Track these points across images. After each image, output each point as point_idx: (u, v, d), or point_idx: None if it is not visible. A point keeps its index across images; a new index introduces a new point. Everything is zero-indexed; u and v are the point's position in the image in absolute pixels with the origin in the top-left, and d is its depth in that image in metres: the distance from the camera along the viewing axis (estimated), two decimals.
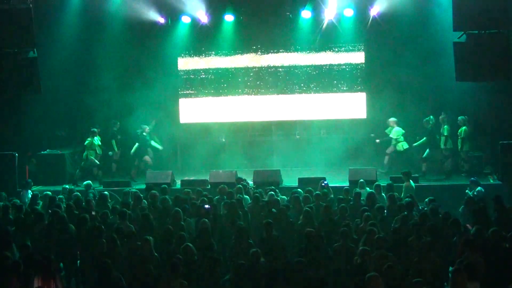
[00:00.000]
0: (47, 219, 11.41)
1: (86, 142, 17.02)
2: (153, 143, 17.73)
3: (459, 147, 16.73)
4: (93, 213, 11.73)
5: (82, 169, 17.16)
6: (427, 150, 16.80)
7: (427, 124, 16.76)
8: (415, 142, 16.96)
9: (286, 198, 13.15)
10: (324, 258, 9.28)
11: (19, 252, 9.72)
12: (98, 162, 17.21)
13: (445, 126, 16.63)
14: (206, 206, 11.43)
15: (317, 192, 12.75)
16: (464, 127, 16.53)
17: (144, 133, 17.49)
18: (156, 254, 9.50)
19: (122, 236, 9.97)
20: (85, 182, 14.83)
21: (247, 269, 8.39)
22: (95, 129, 17.16)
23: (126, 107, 18.50)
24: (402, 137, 17.04)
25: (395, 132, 17.08)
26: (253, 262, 8.70)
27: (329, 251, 9.53)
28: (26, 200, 14.13)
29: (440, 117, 16.81)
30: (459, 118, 16.69)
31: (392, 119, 17.30)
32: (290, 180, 16.39)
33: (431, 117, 16.74)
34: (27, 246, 9.71)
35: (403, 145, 17.00)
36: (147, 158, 17.59)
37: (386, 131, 17.31)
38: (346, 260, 9.36)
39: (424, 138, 16.75)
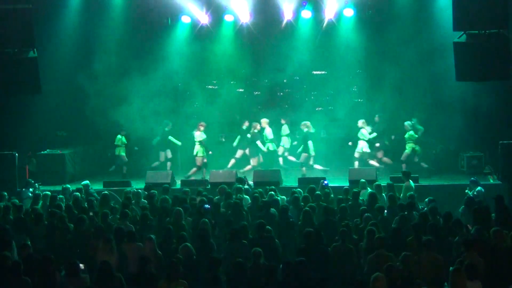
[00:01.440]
0: (47, 219, 11.41)
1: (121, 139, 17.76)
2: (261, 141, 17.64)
3: (407, 151, 16.83)
4: (91, 213, 11.68)
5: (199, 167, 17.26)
6: (406, 150, 16.89)
7: (304, 127, 17.13)
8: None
9: (285, 198, 13.14)
10: (324, 258, 9.28)
11: (19, 252, 9.76)
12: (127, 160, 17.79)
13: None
14: (206, 206, 11.42)
15: (317, 192, 12.74)
16: (410, 132, 16.51)
17: (256, 130, 17.45)
18: (159, 252, 9.52)
19: (122, 236, 9.96)
20: (83, 182, 14.79)
21: (245, 268, 8.39)
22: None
23: (127, 107, 18.54)
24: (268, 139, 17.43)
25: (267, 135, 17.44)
26: (253, 261, 8.70)
27: (329, 251, 9.53)
28: (26, 200, 14.12)
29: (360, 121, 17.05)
30: (405, 123, 16.76)
31: (264, 119, 17.56)
32: (290, 180, 16.38)
33: (307, 122, 17.25)
34: (27, 246, 9.70)
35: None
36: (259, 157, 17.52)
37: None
38: (345, 260, 9.38)
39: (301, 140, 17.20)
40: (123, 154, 17.85)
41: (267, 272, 8.09)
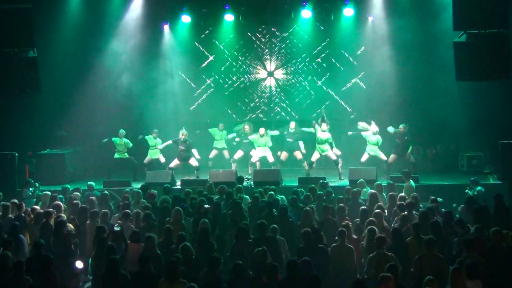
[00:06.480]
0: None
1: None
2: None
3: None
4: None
5: None
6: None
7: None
8: None
9: (284, 198, 13.12)
10: (323, 257, 9.29)
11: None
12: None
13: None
14: (206, 205, 11.42)
15: (319, 192, 12.74)
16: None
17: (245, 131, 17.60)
18: (159, 251, 9.53)
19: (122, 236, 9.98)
20: (88, 183, 14.76)
21: (245, 269, 8.39)
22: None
23: (128, 106, 18.57)
24: None
25: None
26: (258, 261, 8.70)
27: (328, 250, 9.54)
28: (26, 200, 14.12)
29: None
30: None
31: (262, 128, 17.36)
32: (290, 180, 16.39)
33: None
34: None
35: None
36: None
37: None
38: (344, 260, 9.40)
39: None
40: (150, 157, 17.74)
41: (269, 271, 8.09)
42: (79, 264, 8.70)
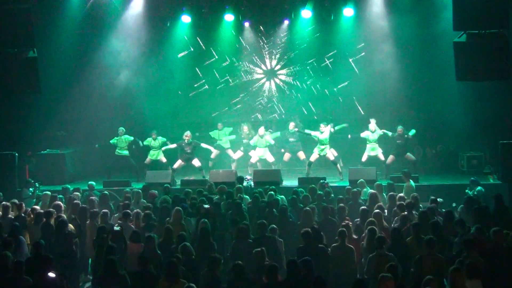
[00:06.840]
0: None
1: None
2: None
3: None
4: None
5: None
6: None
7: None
8: None
9: (284, 198, 13.12)
10: (322, 257, 9.29)
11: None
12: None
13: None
14: (206, 205, 11.41)
15: (319, 192, 12.74)
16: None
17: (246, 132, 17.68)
18: (159, 252, 9.53)
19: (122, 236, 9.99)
20: (89, 182, 14.77)
21: (245, 270, 8.39)
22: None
23: (127, 106, 18.57)
24: None
25: None
26: (257, 262, 8.70)
27: (328, 250, 9.55)
28: (26, 200, 14.12)
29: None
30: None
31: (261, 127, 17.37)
32: (290, 180, 16.39)
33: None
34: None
35: None
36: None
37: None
38: (344, 260, 9.40)
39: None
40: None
41: (269, 272, 8.09)
42: (51, 274, 8.72)
